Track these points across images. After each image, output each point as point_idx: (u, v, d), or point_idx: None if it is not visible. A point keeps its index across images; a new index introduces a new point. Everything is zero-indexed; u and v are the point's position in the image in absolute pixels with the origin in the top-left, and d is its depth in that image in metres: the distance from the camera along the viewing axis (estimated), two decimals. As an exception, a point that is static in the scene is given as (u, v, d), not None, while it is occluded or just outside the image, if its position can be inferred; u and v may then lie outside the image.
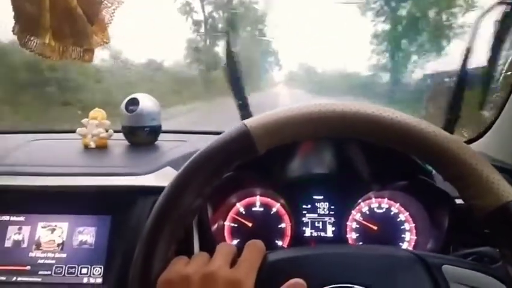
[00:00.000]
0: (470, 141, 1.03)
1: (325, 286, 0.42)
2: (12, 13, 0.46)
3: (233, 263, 0.43)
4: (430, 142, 0.42)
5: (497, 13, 0.81)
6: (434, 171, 0.76)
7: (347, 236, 0.81)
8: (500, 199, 0.40)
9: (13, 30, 0.47)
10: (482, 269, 0.44)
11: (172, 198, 0.43)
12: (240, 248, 0.46)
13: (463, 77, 0.82)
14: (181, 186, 0.44)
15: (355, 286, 0.42)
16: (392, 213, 0.82)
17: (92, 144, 0.90)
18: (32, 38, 0.47)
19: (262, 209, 0.83)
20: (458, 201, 0.70)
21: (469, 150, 0.42)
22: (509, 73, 0.90)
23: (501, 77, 0.92)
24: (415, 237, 0.80)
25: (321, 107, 0.44)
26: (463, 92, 0.83)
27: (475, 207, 0.42)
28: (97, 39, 0.53)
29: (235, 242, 0.81)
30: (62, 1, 0.46)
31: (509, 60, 0.92)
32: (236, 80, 0.87)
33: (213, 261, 0.43)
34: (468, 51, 0.82)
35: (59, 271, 0.67)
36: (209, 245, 0.70)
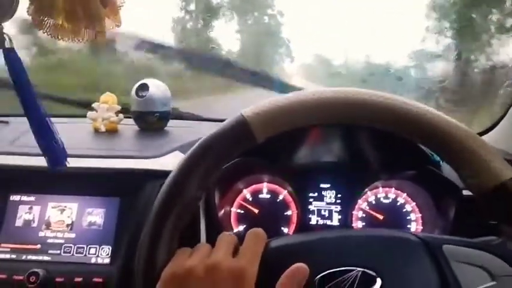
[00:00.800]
0: (480, 135, 1.02)
1: (327, 270, 0.43)
2: None
3: (235, 252, 0.43)
4: (429, 125, 0.42)
5: None
6: (442, 162, 0.76)
7: (353, 224, 0.82)
8: (498, 177, 0.40)
9: (27, 11, 0.48)
10: (482, 246, 0.44)
11: (174, 189, 0.44)
12: (242, 236, 0.46)
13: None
14: (182, 177, 0.44)
15: (357, 268, 0.43)
16: (398, 203, 0.82)
17: (103, 128, 0.91)
18: (45, 19, 0.48)
19: (269, 196, 0.83)
20: (466, 192, 0.70)
21: (465, 129, 0.42)
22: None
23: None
24: (421, 227, 0.81)
25: (319, 94, 0.44)
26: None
27: (474, 186, 0.42)
28: (109, 22, 0.53)
29: (241, 228, 0.82)
30: (75, -17, 0.47)
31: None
32: None
33: (216, 252, 0.43)
34: None
35: (68, 250, 0.68)
36: (215, 230, 0.71)
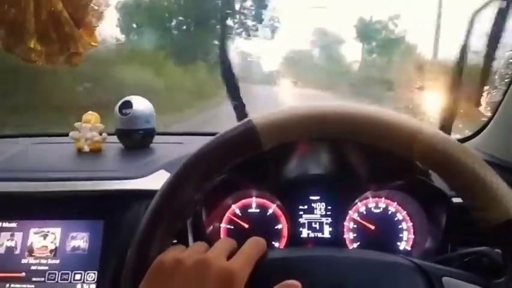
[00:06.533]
0: (468, 139, 1.02)
1: None
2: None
3: (231, 256, 0.42)
4: (437, 151, 0.41)
5: (493, 9, 0.80)
6: (430, 171, 0.75)
7: (344, 236, 0.81)
8: (509, 213, 0.39)
9: (-2, 36, 0.47)
10: (485, 284, 0.43)
11: (172, 192, 0.43)
12: (239, 246, 0.45)
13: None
14: (182, 178, 0.43)
15: None
16: (389, 212, 0.81)
17: (86, 148, 0.89)
18: (17, 43, 0.47)
19: (258, 210, 0.82)
20: (455, 200, 0.70)
21: (478, 159, 0.40)
22: (504, 70, 0.89)
23: (498, 74, 0.91)
24: (413, 237, 0.80)
25: (329, 108, 0.44)
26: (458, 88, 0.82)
27: (482, 219, 0.40)
28: (85, 43, 0.52)
29: (231, 244, 0.80)
30: (47, 5, 0.46)
31: (505, 56, 0.91)
32: (231, 80, 0.86)
33: (210, 251, 0.42)
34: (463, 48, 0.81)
35: (52, 277, 0.66)
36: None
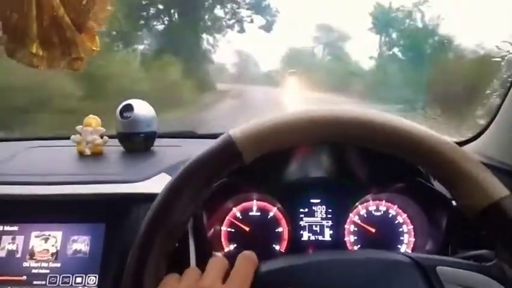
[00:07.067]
0: (468, 141, 1.02)
1: None
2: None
3: (225, 277, 0.42)
4: (420, 144, 0.42)
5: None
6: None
7: (345, 239, 0.81)
8: (490, 197, 0.39)
9: (0, 41, 0.47)
10: (477, 268, 0.43)
11: (162, 212, 0.43)
12: (233, 255, 0.45)
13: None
14: (170, 200, 0.43)
15: None
16: (390, 215, 0.82)
17: (87, 151, 0.90)
18: (19, 48, 0.47)
19: (259, 213, 0.82)
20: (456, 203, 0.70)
21: (457, 149, 0.42)
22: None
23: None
24: (413, 239, 0.80)
25: (308, 114, 0.44)
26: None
27: (466, 207, 0.42)
28: (87, 48, 0.52)
29: (232, 247, 0.81)
30: (49, 10, 0.46)
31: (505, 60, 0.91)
32: None
33: (205, 277, 0.42)
34: None
35: (53, 281, 0.66)
36: (205, 251, 0.70)
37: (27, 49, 0.47)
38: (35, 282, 0.66)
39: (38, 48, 0.47)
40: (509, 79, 0.88)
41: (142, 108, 0.93)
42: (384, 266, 0.45)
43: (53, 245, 0.68)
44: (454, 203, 0.70)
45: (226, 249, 0.80)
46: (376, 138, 0.43)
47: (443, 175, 0.42)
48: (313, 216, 0.82)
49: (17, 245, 0.68)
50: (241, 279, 0.42)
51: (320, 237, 0.82)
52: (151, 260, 0.42)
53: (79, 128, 0.91)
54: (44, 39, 0.47)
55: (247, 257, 0.45)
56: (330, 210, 0.82)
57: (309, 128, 0.44)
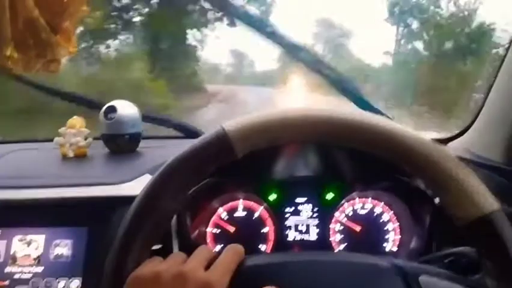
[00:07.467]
0: (453, 138, 1.02)
1: None
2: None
3: (209, 266, 0.42)
4: (412, 150, 0.42)
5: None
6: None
7: (331, 238, 0.81)
8: (481, 210, 0.39)
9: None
10: (461, 281, 0.43)
11: (149, 200, 0.43)
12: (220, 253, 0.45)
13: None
14: (156, 191, 0.43)
15: None
16: (375, 213, 0.82)
17: (71, 154, 0.88)
18: (-7, 51, 0.46)
19: (245, 213, 0.82)
20: (438, 200, 0.70)
21: (450, 158, 0.41)
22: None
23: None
24: (399, 237, 0.80)
25: (303, 112, 0.44)
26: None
27: (456, 216, 0.41)
28: (63, 49, 0.51)
29: (218, 247, 0.80)
30: (23, 12, 0.45)
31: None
32: None
33: (188, 262, 0.42)
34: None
35: (36, 285, 0.65)
36: (189, 252, 0.69)
37: (2, 52, 0.46)
38: (17, 287, 0.65)
39: (12, 50, 0.46)
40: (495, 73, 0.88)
41: (126, 109, 0.92)
42: (367, 271, 0.45)
43: (35, 249, 0.67)
44: (436, 200, 0.71)
45: (213, 251, 0.80)
46: (366, 141, 0.43)
47: (434, 183, 0.42)
48: (299, 215, 0.82)
49: (-1, 250, 0.68)
50: (222, 269, 0.42)
51: (306, 237, 0.82)
52: (135, 246, 0.42)
53: (62, 130, 0.90)
54: (19, 41, 0.46)
55: (234, 249, 0.45)
56: (316, 209, 0.82)
57: (303, 126, 0.44)
